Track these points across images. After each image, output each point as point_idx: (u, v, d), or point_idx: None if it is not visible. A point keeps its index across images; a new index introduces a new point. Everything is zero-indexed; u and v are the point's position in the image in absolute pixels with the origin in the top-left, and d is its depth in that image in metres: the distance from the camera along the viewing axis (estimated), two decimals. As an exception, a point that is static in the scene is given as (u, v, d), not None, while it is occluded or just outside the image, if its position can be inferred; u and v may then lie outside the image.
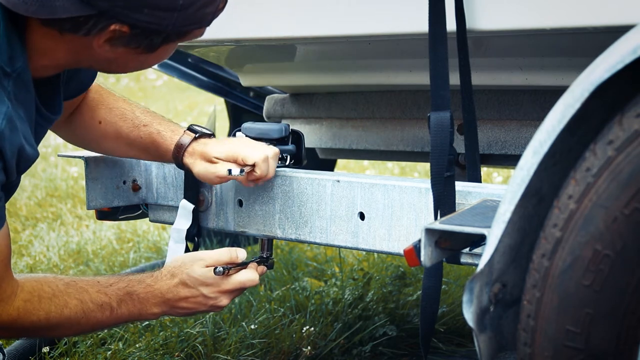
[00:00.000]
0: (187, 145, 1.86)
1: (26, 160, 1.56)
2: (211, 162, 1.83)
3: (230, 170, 1.78)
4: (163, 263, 2.04)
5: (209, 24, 1.59)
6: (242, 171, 1.78)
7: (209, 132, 1.90)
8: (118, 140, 1.94)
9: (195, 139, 1.87)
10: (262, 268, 1.86)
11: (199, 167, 1.84)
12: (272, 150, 1.84)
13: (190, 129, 1.89)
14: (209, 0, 1.52)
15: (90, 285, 1.72)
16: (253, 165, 1.80)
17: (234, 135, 2.01)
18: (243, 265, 1.80)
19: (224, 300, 1.79)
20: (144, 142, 1.92)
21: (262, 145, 1.86)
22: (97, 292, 1.72)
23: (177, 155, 1.87)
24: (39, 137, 1.67)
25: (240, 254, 1.81)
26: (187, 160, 1.86)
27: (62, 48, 1.56)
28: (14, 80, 1.52)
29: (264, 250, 1.96)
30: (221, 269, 1.75)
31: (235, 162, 1.82)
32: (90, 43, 1.52)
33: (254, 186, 1.90)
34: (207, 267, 1.77)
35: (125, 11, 1.45)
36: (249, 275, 1.79)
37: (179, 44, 1.65)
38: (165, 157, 1.91)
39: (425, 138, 2.22)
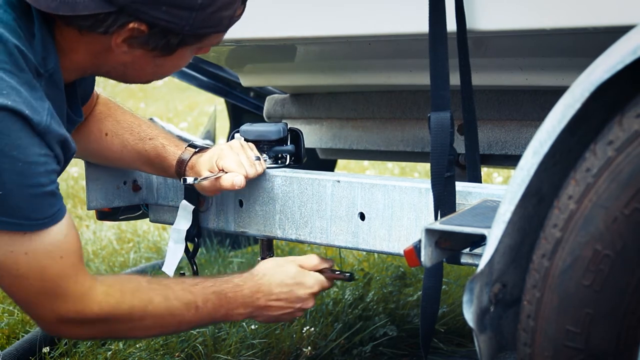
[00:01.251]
0: (188, 161, 1.87)
1: (71, 151, 1.57)
2: (199, 175, 1.83)
3: (185, 180, 1.77)
4: (162, 263, 2.04)
5: (225, 29, 1.62)
6: (195, 179, 1.76)
7: (209, 147, 1.91)
8: (122, 152, 1.95)
9: (195, 153, 1.88)
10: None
11: None
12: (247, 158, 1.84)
13: (190, 145, 1.91)
14: (227, 3, 1.55)
15: (175, 283, 1.71)
16: (223, 171, 1.80)
17: (232, 137, 2.01)
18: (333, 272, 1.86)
19: (310, 303, 1.81)
20: (148, 155, 1.93)
21: (237, 150, 1.85)
22: (182, 290, 1.69)
23: (179, 171, 1.89)
24: None
25: (329, 262, 1.84)
26: (188, 174, 1.88)
27: (82, 50, 1.58)
28: (46, 80, 1.54)
29: (264, 251, 1.96)
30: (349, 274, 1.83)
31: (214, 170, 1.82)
32: (109, 43, 1.55)
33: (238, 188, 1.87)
34: (300, 266, 1.80)
35: (144, 8, 1.48)
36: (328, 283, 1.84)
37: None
38: (169, 172, 1.93)
39: (426, 138, 2.22)
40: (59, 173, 1.56)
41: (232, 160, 1.81)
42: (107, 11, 1.48)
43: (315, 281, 1.81)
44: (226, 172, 1.79)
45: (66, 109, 1.65)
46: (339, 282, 2.97)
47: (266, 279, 1.77)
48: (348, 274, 1.87)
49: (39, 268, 1.52)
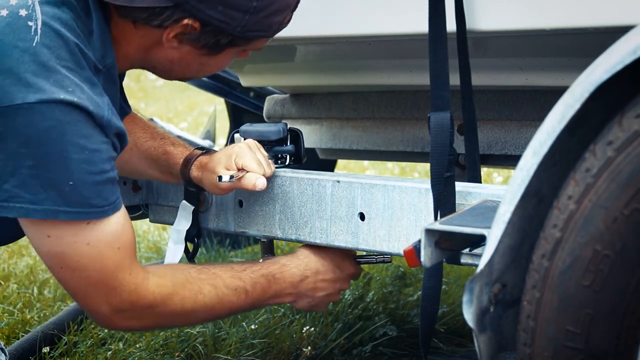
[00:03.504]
0: (194, 160, 1.88)
1: (124, 143, 1.62)
2: (214, 173, 1.83)
3: (220, 178, 1.76)
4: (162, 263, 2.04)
5: (272, 34, 1.67)
6: (231, 177, 1.75)
7: (215, 150, 1.91)
8: (132, 152, 1.95)
9: (202, 154, 1.88)
10: None
11: (206, 181, 1.85)
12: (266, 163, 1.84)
13: (198, 148, 1.93)
14: (279, 9, 1.61)
15: (223, 271, 1.75)
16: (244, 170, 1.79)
17: (232, 137, 2.01)
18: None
19: (347, 285, 1.89)
20: (156, 152, 1.94)
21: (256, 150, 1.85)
22: (231, 277, 1.74)
23: (184, 171, 1.89)
24: None
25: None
26: (195, 174, 1.87)
27: (135, 43, 1.63)
28: (104, 75, 1.60)
29: (265, 252, 1.96)
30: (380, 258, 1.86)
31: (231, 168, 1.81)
32: (160, 37, 1.60)
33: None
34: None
35: (200, 6, 1.53)
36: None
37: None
38: (174, 170, 1.92)
39: (426, 138, 2.22)
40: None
41: (252, 159, 1.79)
42: (163, 5, 1.53)
43: (351, 264, 1.89)
44: (247, 171, 1.78)
45: (120, 102, 1.70)
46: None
47: (311, 258, 1.83)
48: (380, 257, 1.91)
49: (99, 259, 1.55)
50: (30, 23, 1.50)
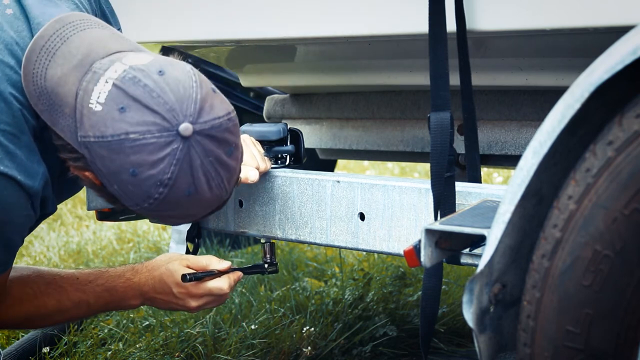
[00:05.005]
0: None
1: (46, 214, 1.63)
2: None
3: None
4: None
5: (175, 224, 1.69)
6: None
7: None
8: None
9: None
10: (237, 275, 1.85)
11: None
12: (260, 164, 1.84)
13: None
14: (179, 216, 1.58)
15: (69, 283, 1.79)
16: None
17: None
18: (219, 274, 1.81)
19: (192, 303, 1.81)
20: None
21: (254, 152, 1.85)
22: (75, 291, 1.79)
23: None
24: (60, 196, 1.71)
25: (222, 264, 1.82)
26: None
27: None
28: (45, 141, 1.55)
29: (266, 255, 1.95)
30: (187, 277, 1.77)
31: None
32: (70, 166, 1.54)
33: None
34: (188, 267, 1.81)
35: (101, 173, 1.47)
36: (217, 284, 1.81)
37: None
38: None
39: (426, 138, 2.22)
40: (32, 230, 1.65)
41: (245, 153, 1.79)
42: (75, 147, 1.47)
43: (190, 284, 1.80)
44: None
45: (62, 171, 1.62)
46: (338, 283, 2.96)
47: (152, 274, 1.82)
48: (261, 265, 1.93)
49: None
50: None
